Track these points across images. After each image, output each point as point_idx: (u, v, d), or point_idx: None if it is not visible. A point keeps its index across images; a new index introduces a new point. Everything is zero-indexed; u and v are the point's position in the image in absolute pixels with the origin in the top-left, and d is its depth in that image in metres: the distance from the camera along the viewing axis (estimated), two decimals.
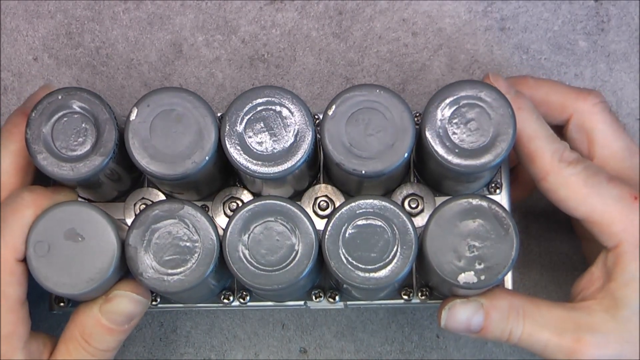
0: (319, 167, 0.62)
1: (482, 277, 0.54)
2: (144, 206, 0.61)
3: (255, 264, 0.54)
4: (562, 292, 0.70)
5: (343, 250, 0.54)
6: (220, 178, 0.60)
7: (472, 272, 0.54)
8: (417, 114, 0.60)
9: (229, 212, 0.61)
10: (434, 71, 0.70)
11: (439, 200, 0.61)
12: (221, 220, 0.61)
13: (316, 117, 0.60)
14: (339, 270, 0.54)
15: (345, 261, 0.54)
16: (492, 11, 0.70)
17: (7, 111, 0.70)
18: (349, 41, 0.70)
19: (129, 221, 0.61)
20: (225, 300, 0.61)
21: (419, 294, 0.61)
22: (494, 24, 0.70)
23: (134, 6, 0.70)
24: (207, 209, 0.61)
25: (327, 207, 0.61)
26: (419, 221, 0.61)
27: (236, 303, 0.61)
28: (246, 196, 0.61)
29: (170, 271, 0.54)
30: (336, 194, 0.61)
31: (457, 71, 0.70)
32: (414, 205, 0.61)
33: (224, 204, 0.61)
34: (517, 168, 0.65)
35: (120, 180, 0.59)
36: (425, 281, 0.61)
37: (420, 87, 0.70)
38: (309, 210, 0.61)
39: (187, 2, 0.70)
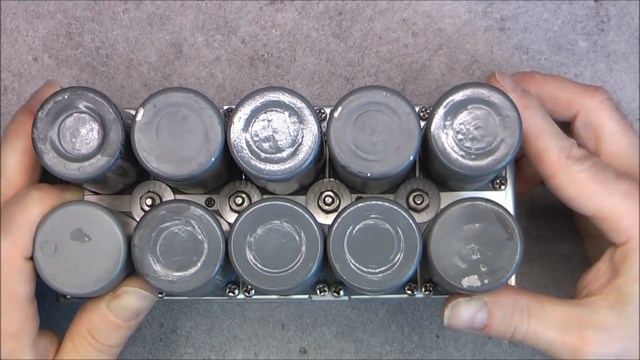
0: (324, 161, 0.61)
1: (486, 281, 0.54)
2: (150, 200, 0.61)
3: (260, 266, 0.54)
4: (562, 292, 0.70)
5: (348, 253, 0.54)
6: (226, 173, 0.60)
7: (476, 276, 0.54)
8: (423, 109, 0.60)
9: (234, 207, 0.61)
10: (434, 71, 0.70)
11: (444, 195, 0.61)
12: (227, 214, 0.61)
13: (322, 111, 0.61)
14: (344, 272, 0.54)
15: (350, 263, 0.54)
16: (492, 11, 0.70)
17: (7, 111, 0.70)
18: (349, 41, 0.70)
19: (135, 214, 0.61)
20: (231, 294, 0.61)
21: (423, 289, 0.61)
22: (494, 24, 0.70)
23: (134, 6, 0.70)
24: (212, 202, 0.61)
25: (333, 202, 0.61)
26: (424, 217, 0.61)
27: (241, 296, 0.61)
28: (251, 190, 0.61)
29: (176, 273, 0.54)
30: (342, 189, 0.61)
31: (457, 71, 0.70)
32: (419, 202, 0.60)
33: (229, 197, 0.61)
34: (520, 161, 0.64)
35: (127, 174, 0.59)
36: (429, 277, 0.61)
37: (420, 87, 0.70)
38: (314, 206, 0.61)
39: (187, 2, 0.70)
